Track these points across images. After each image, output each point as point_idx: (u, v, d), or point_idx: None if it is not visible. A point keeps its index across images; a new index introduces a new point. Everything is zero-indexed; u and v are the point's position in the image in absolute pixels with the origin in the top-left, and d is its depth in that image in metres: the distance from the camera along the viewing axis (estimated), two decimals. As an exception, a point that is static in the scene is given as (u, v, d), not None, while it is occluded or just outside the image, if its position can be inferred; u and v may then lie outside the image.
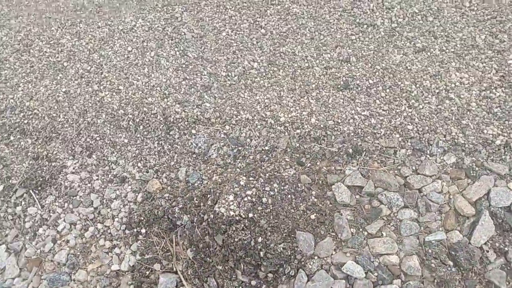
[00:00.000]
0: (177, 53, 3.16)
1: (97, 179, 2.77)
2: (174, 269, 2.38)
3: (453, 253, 2.10)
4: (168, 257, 2.43)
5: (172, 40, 3.25)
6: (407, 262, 2.11)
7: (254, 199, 2.29)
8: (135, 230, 2.54)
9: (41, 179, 2.80)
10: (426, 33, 2.88)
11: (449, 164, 2.36)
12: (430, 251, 2.12)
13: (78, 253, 2.54)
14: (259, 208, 2.27)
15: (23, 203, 2.75)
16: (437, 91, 2.59)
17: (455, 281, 2.04)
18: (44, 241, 2.60)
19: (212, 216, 2.29)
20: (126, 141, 2.86)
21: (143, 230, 2.52)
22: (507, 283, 2.04)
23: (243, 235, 2.21)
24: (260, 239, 2.20)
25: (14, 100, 3.19)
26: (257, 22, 3.21)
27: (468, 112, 2.48)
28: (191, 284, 2.32)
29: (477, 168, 2.31)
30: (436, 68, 2.70)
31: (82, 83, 3.16)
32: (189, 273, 2.35)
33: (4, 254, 2.60)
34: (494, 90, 2.53)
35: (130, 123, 2.91)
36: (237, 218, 2.24)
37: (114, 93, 3.05)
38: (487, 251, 2.10)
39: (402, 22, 2.96)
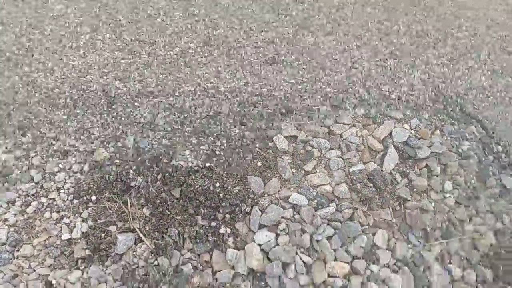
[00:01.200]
0: (113, 36, 3.29)
1: (36, 155, 2.69)
2: (131, 227, 2.46)
3: (371, 177, 2.64)
4: (123, 218, 2.48)
5: (107, 25, 3.37)
6: (338, 189, 2.58)
7: (208, 152, 2.54)
8: (84, 198, 2.53)
9: (-37, 162, 2.59)
10: (332, 21, 3.57)
11: (360, 115, 2.96)
12: (354, 178, 2.63)
13: (21, 230, 2.42)
14: (214, 159, 2.53)
15: None
16: (345, 63, 3.23)
17: (375, 198, 2.57)
18: (-26, 225, 2.41)
19: (170, 170, 2.47)
20: (65, 117, 2.85)
21: (93, 197, 2.53)
22: (411, 195, 2.64)
23: (203, 181, 2.43)
24: (218, 184, 2.44)
25: None
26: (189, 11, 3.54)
27: (369, 77, 3.16)
28: (150, 238, 2.42)
29: (380, 116, 2.95)
30: (342, 46, 3.36)
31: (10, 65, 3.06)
32: (147, 228, 2.45)
33: None
34: (386, 61, 3.28)
35: (68, 100, 2.91)
36: (195, 168, 2.46)
37: (47, 74, 3.02)
38: (395, 175, 2.69)
39: (312, 13, 3.61)
